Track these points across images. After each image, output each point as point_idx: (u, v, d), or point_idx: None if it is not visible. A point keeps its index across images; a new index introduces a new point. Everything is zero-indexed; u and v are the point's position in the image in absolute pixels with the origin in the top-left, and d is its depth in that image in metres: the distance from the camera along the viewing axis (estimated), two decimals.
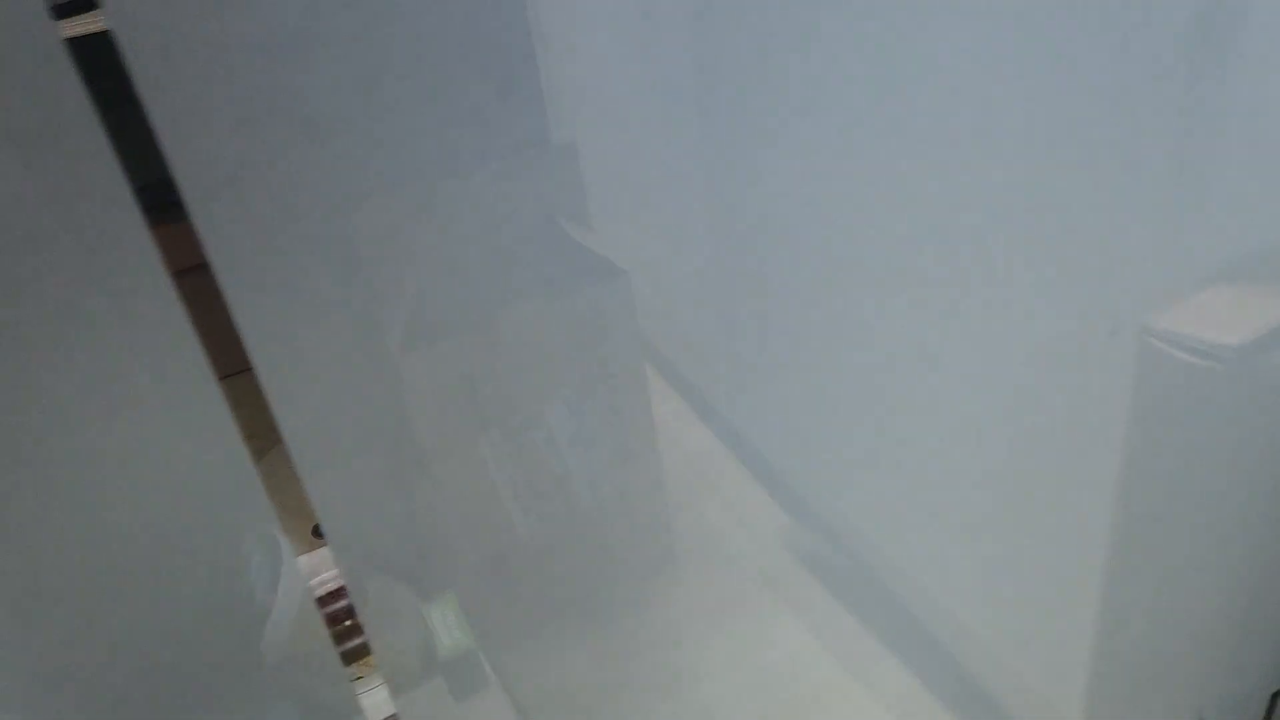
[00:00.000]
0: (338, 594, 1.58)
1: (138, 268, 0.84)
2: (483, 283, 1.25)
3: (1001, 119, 0.78)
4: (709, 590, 1.51)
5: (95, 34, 1.00)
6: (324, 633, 1.19)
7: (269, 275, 1.10)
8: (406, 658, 1.40)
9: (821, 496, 1.39)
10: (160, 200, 0.94)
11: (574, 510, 1.42)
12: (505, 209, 1.27)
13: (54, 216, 0.77)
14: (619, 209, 2.01)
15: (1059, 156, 0.73)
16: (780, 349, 1.41)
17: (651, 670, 1.44)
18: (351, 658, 1.51)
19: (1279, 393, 0.62)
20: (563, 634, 1.47)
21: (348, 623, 1.53)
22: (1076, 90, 0.69)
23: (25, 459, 0.80)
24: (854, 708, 1.33)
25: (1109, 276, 0.70)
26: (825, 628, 1.44)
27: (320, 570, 1.62)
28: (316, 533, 1.78)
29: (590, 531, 1.45)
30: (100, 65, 0.83)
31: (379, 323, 1.20)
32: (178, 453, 0.94)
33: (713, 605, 1.49)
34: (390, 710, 1.39)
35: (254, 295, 1.06)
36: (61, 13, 0.87)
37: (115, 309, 0.86)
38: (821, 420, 1.35)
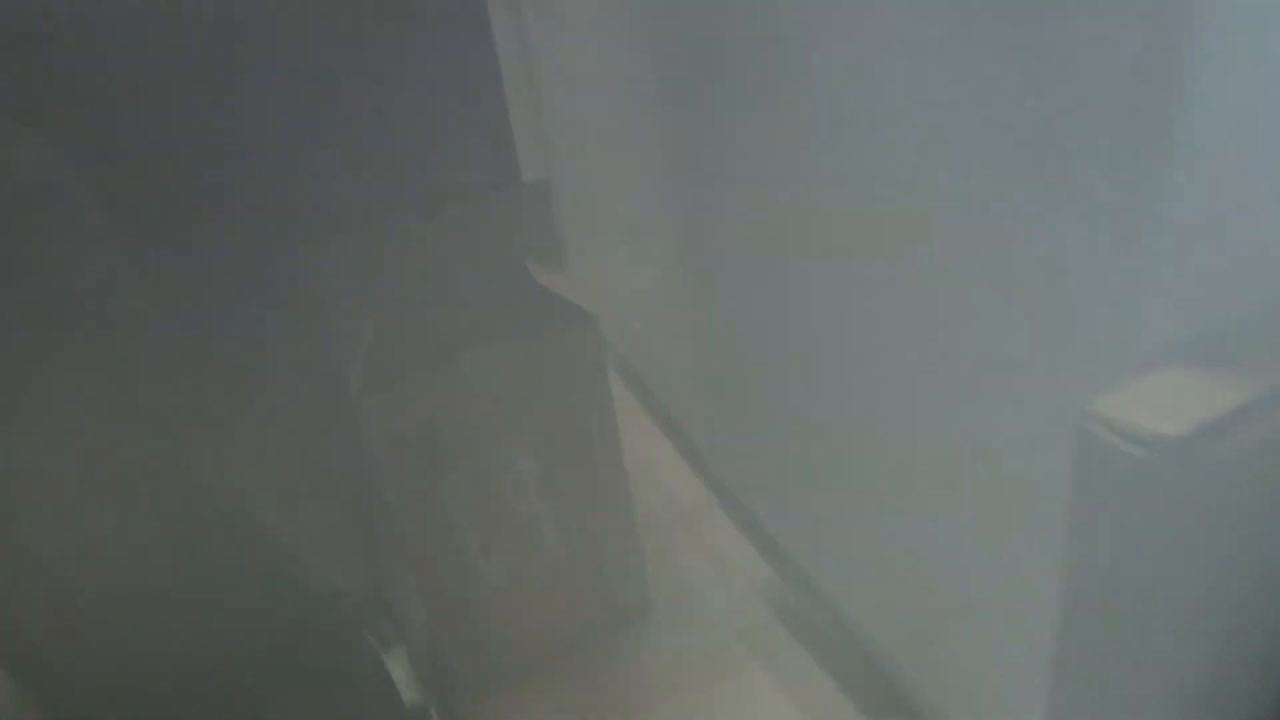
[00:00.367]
0: None
1: None
2: (445, 325, 1.22)
3: (942, 195, 0.74)
4: (684, 644, 1.46)
5: None
6: None
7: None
8: None
9: (803, 551, 1.34)
10: None
11: (542, 558, 1.38)
12: (471, 248, 1.25)
13: None
14: (598, 247, 1.98)
15: (998, 228, 0.68)
16: (759, 394, 1.36)
17: None
18: None
19: (1225, 486, 0.57)
20: (529, 686, 1.43)
21: None
22: (1016, 165, 0.65)
23: None
24: None
25: (1048, 357, 0.65)
26: (801, 689, 1.39)
27: None
28: None
29: (560, 580, 1.41)
30: None
31: (336, 365, 1.17)
32: None
33: (687, 660, 1.44)
34: None
35: None
36: None
37: None
38: (804, 474, 1.30)
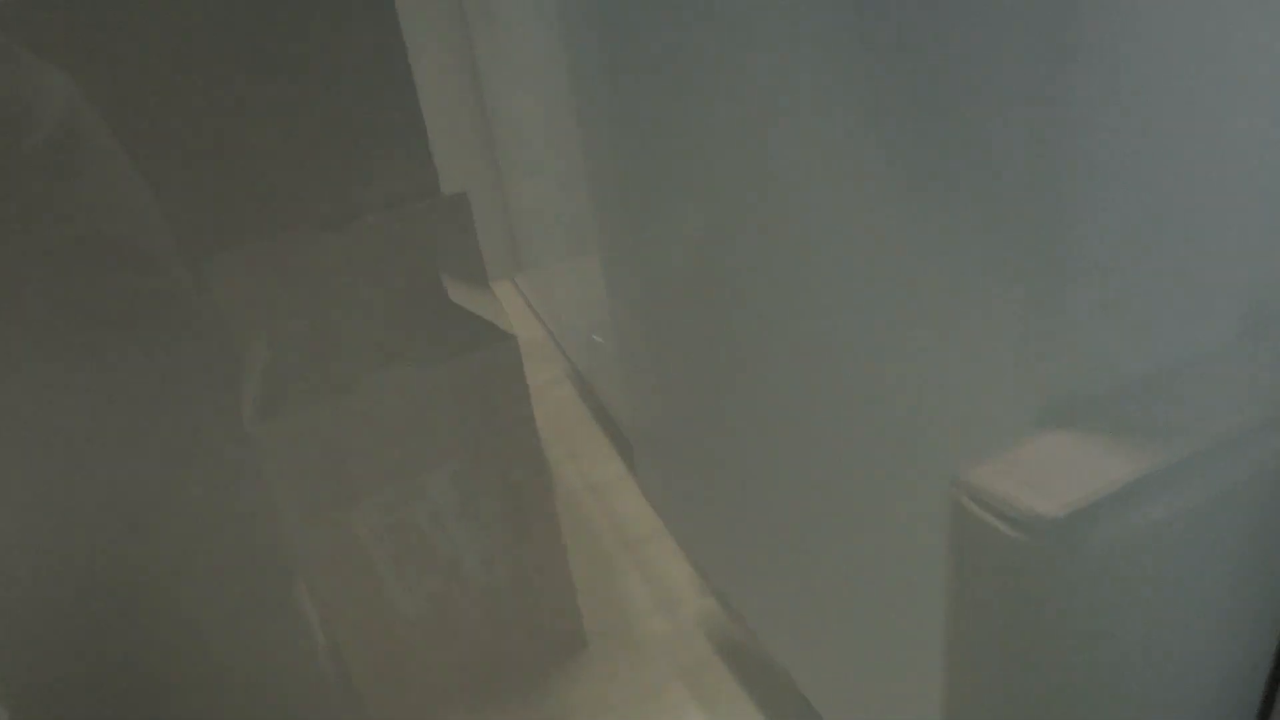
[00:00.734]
0: None
1: None
2: (351, 345, 1.15)
3: (815, 240, 0.67)
4: (619, 682, 1.38)
5: None
6: None
7: None
8: None
9: (745, 587, 1.26)
10: None
11: (466, 591, 1.31)
12: (382, 264, 1.17)
13: None
14: (550, 258, 1.90)
15: (872, 277, 0.60)
16: (681, 418, 1.28)
17: None
18: None
19: (1112, 571, 0.49)
20: None
21: None
22: (894, 221, 0.57)
23: None
24: None
25: (919, 416, 0.57)
26: None
27: None
28: None
29: (485, 614, 1.34)
30: None
31: (230, 389, 1.10)
32: None
33: (621, 699, 1.36)
34: None
35: None
36: None
37: None
38: (726, 508, 1.22)
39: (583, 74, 1.11)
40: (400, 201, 1.18)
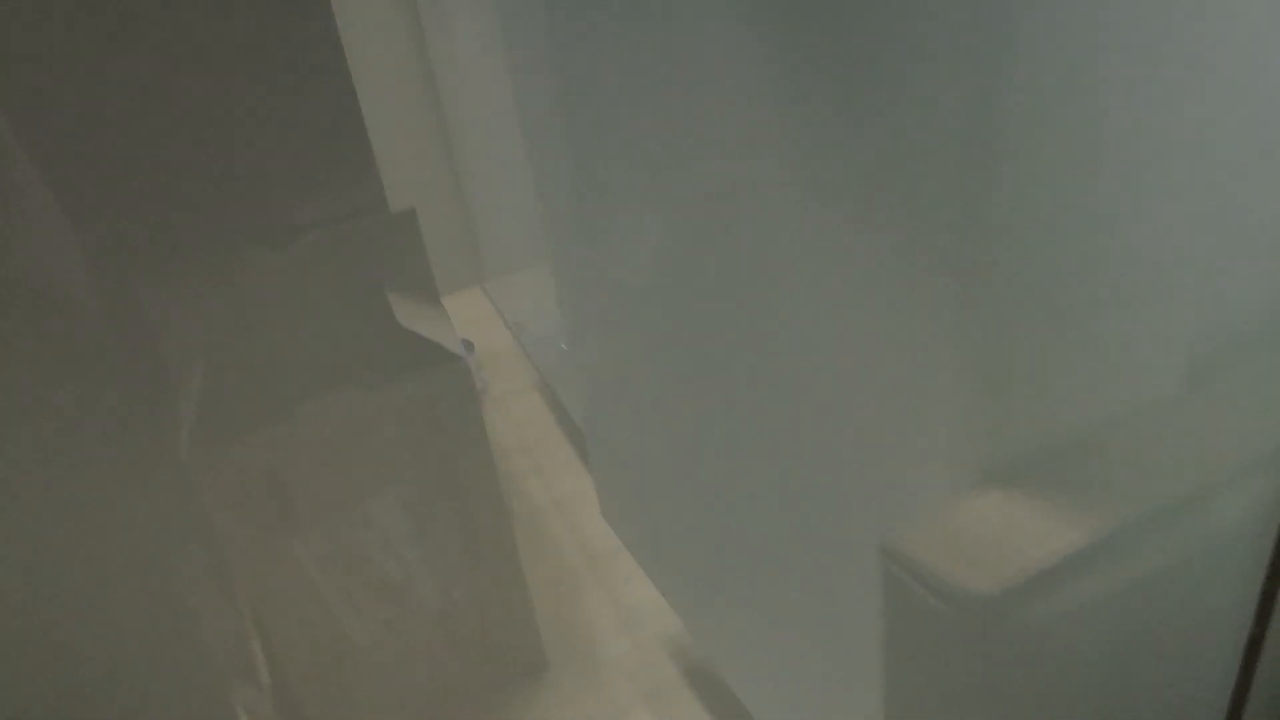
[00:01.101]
0: None
1: None
2: (294, 368, 1.10)
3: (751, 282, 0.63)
4: (579, 709, 1.34)
5: None
6: None
7: None
8: None
9: (698, 612, 1.22)
10: None
11: (420, 616, 1.27)
12: (326, 283, 1.13)
13: None
14: (517, 268, 1.86)
15: (809, 334, 0.56)
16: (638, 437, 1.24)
17: None
18: None
19: (1038, 646, 0.45)
20: None
21: None
22: (826, 276, 0.53)
23: None
24: None
25: (849, 477, 0.54)
26: None
27: None
28: None
29: (441, 639, 1.30)
30: None
31: (163, 415, 1.06)
32: None
33: None
34: None
35: None
36: None
37: None
38: (682, 533, 1.18)
39: (525, 79, 1.07)
40: (344, 218, 1.14)
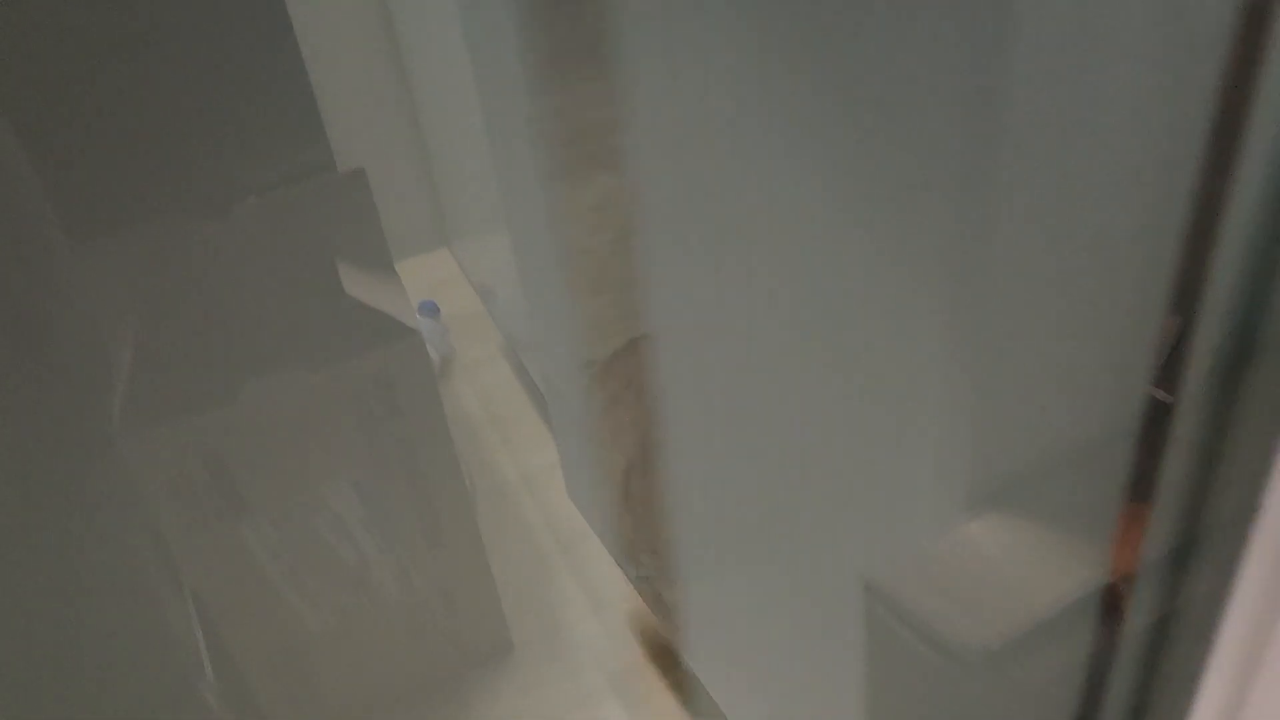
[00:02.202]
0: None
1: None
2: (234, 344, 1.03)
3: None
4: (545, 692, 1.29)
5: None
6: None
7: None
8: None
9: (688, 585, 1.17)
10: None
11: (378, 602, 1.21)
12: (269, 252, 1.05)
13: None
14: (482, 230, 1.77)
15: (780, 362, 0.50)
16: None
17: None
18: None
19: (1038, 699, 0.39)
20: None
21: None
22: (807, 304, 0.46)
23: None
24: None
25: (828, 507, 0.48)
26: None
27: None
28: None
29: (400, 624, 1.24)
30: None
31: (89, 394, 0.98)
32: None
33: (547, 710, 1.28)
34: None
35: None
36: None
37: None
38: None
39: (477, 27, 0.99)
40: (288, 181, 1.05)
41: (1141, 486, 0.38)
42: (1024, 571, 0.39)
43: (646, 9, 0.59)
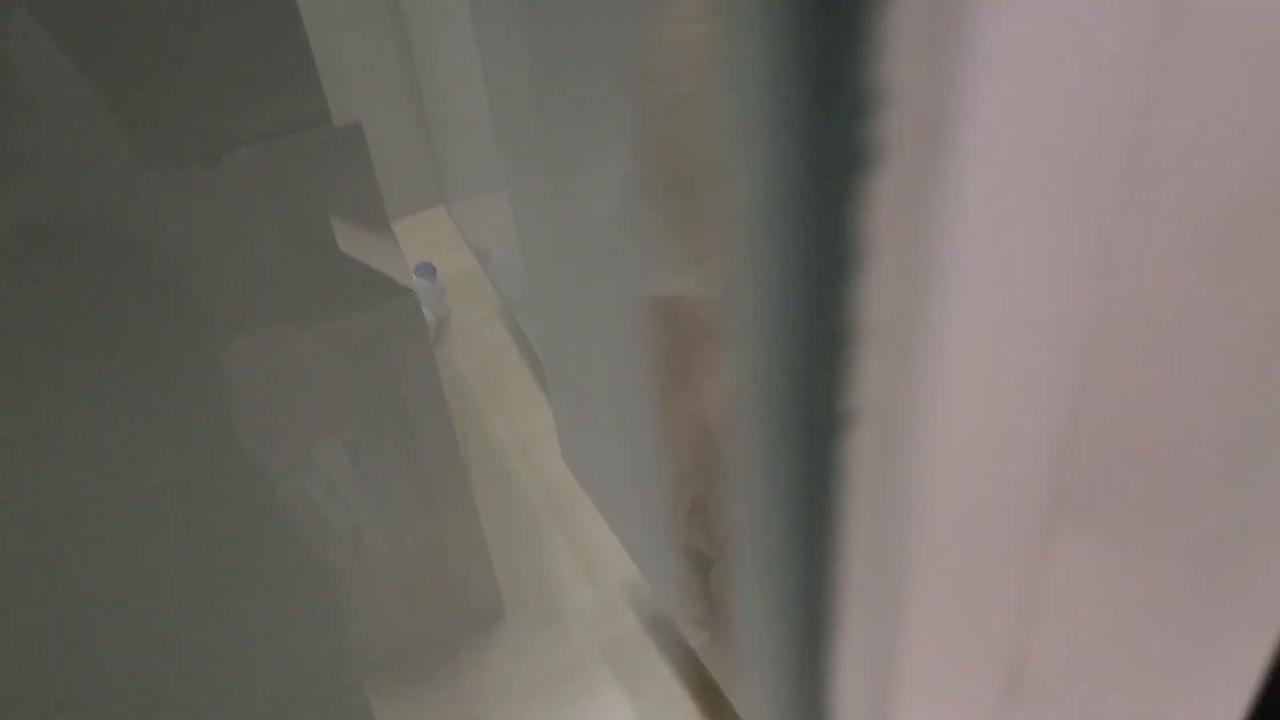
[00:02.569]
0: None
1: None
2: (217, 302, 1.00)
3: None
4: (536, 658, 1.28)
5: None
6: None
7: None
8: None
9: (658, 568, 1.15)
10: None
11: (368, 564, 1.19)
12: (258, 207, 1.02)
13: None
14: (480, 188, 1.74)
15: None
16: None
17: None
18: None
19: None
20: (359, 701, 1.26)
21: None
22: None
23: None
24: None
25: None
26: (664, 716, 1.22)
27: None
28: None
29: (389, 588, 1.23)
30: None
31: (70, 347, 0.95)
32: None
33: (537, 677, 1.27)
34: None
35: None
36: None
37: None
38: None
39: None
40: (280, 133, 1.02)
41: None
42: None
43: None
